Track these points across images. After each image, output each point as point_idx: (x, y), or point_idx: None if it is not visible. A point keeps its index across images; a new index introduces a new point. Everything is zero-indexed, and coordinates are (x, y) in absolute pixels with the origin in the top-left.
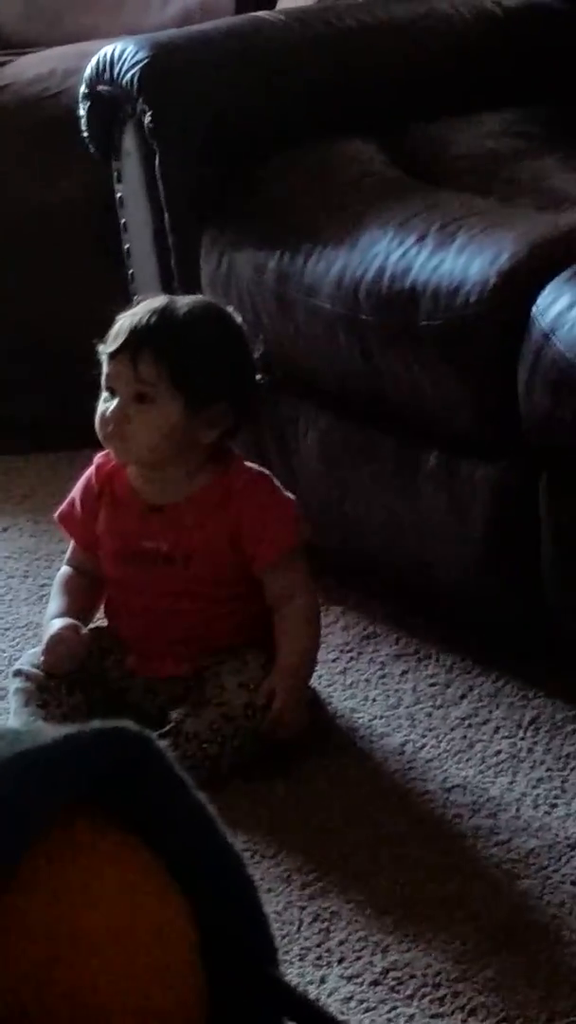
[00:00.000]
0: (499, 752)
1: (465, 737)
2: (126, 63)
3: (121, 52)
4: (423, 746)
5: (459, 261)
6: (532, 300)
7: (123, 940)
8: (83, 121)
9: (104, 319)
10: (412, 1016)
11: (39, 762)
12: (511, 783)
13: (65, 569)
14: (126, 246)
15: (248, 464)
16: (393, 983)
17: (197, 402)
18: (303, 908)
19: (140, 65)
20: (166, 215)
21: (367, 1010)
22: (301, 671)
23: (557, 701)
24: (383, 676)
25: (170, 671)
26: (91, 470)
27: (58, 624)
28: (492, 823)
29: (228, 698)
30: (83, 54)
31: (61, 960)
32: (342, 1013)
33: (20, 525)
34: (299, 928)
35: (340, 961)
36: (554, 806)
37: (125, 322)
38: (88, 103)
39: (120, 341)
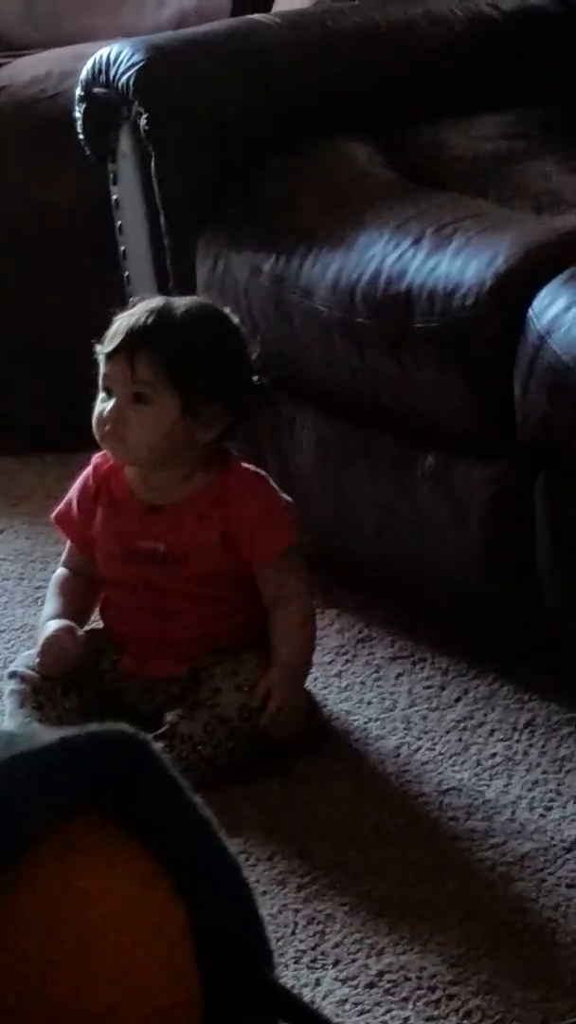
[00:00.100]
0: (495, 755)
1: (460, 740)
2: (122, 65)
3: (117, 54)
4: (418, 749)
5: (455, 263)
6: (528, 302)
7: (122, 940)
8: (79, 123)
9: (101, 320)
10: (407, 1019)
11: (35, 765)
12: (506, 786)
13: (61, 571)
14: (122, 248)
15: (245, 465)
16: (388, 986)
17: (194, 402)
18: (298, 911)
19: (136, 68)
20: (162, 217)
21: (362, 1013)
22: (297, 671)
23: (553, 704)
24: (378, 679)
25: (166, 671)
26: (88, 470)
27: (54, 626)
28: (487, 826)
29: (223, 700)
30: (79, 56)
31: (61, 960)
32: (337, 1016)
33: (16, 527)
34: (294, 931)
35: (335, 964)
36: (549, 809)
37: (122, 322)
38: (84, 105)
39: (117, 341)
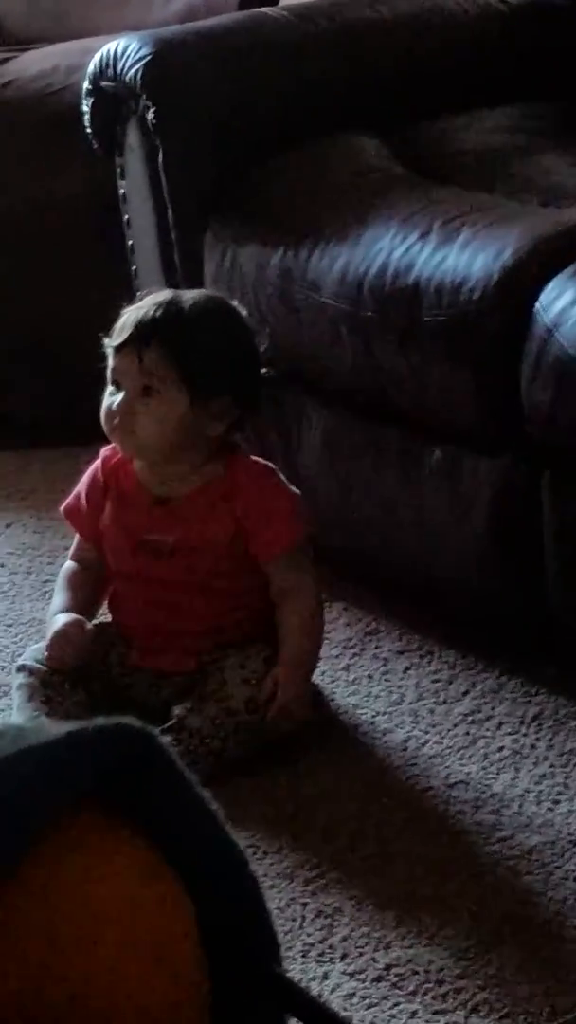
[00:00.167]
0: (502, 748)
1: (468, 733)
2: (129, 59)
3: (124, 48)
4: (426, 742)
5: (462, 257)
6: (535, 296)
7: (124, 938)
8: (86, 117)
9: (106, 316)
10: (415, 1012)
11: (42, 759)
12: (514, 779)
13: (69, 564)
14: (129, 242)
15: (254, 458)
16: (396, 979)
17: (203, 395)
18: (305, 904)
19: (143, 62)
20: (169, 211)
21: (370, 1006)
22: (305, 664)
23: (560, 697)
24: (386, 672)
25: (174, 665)
26: (97, 463)
27: (62, 619)
28: (495, 819)
29: (230, 693)
30: (86, 50)
31: (61, 959)
32: (344, 1009)
33: (23, 522)
34: (302, 924)
35: (343, 957)
36: (557, 802)
37: (131, 316)
38: (91, 99)
39: (126, 335)
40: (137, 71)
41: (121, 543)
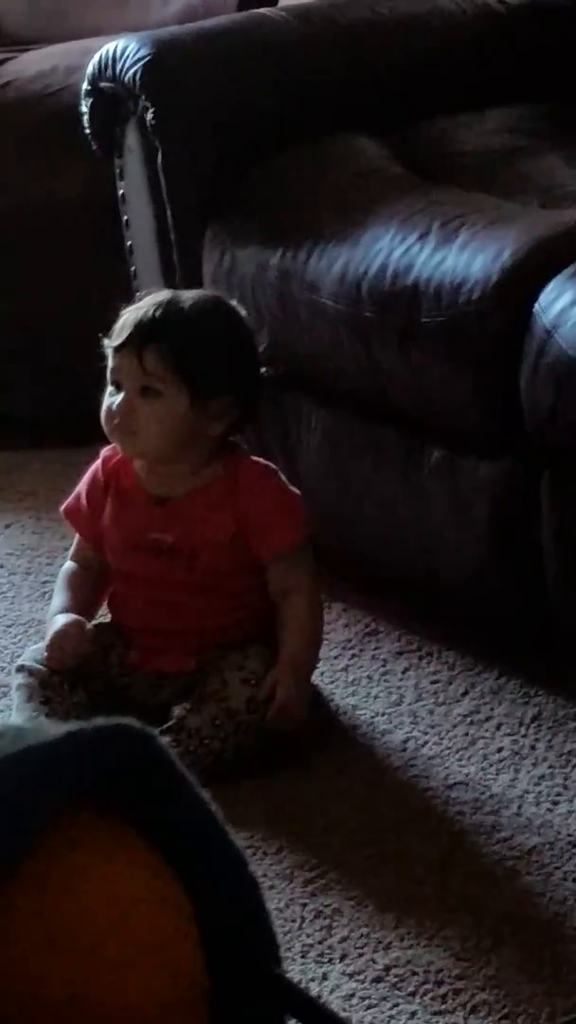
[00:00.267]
0: (501, 749)
1: (467, 734)
2: (128, 60)
3: (123, 49)
4: (425, 743)
5: (462, 258)
6: (535, 297)
7: (124, 938)
8: (85, 118)
9: (105, 316)
10: (414, 1013)
11: (42, 759)
12: (513, 780)
13: (69, 564)
14: (128, 243)
15: (254, 458)
16: (395, 980)
17: (203, 395)
18: (305, 905)
19: (142, 62)
20: (168, 212)
21: (369, 1007)
22: (304, 664)
23: (559, 698)
24: (385, 673)
25: (174, 665)
26: (97, 464)
27: (62, 620)
28: (494, 820)
29: (230, 693)
30: (86, 51)
31: (61, 959)
32: (344, 1010)
33: (22, 522)
34: (301, 925)
35: (342, 958)
36: (556, 803)
37: (130, 316)
38: (90, 100)
39: (125, 335)
40: (136, 72)
41: (121, 543)
